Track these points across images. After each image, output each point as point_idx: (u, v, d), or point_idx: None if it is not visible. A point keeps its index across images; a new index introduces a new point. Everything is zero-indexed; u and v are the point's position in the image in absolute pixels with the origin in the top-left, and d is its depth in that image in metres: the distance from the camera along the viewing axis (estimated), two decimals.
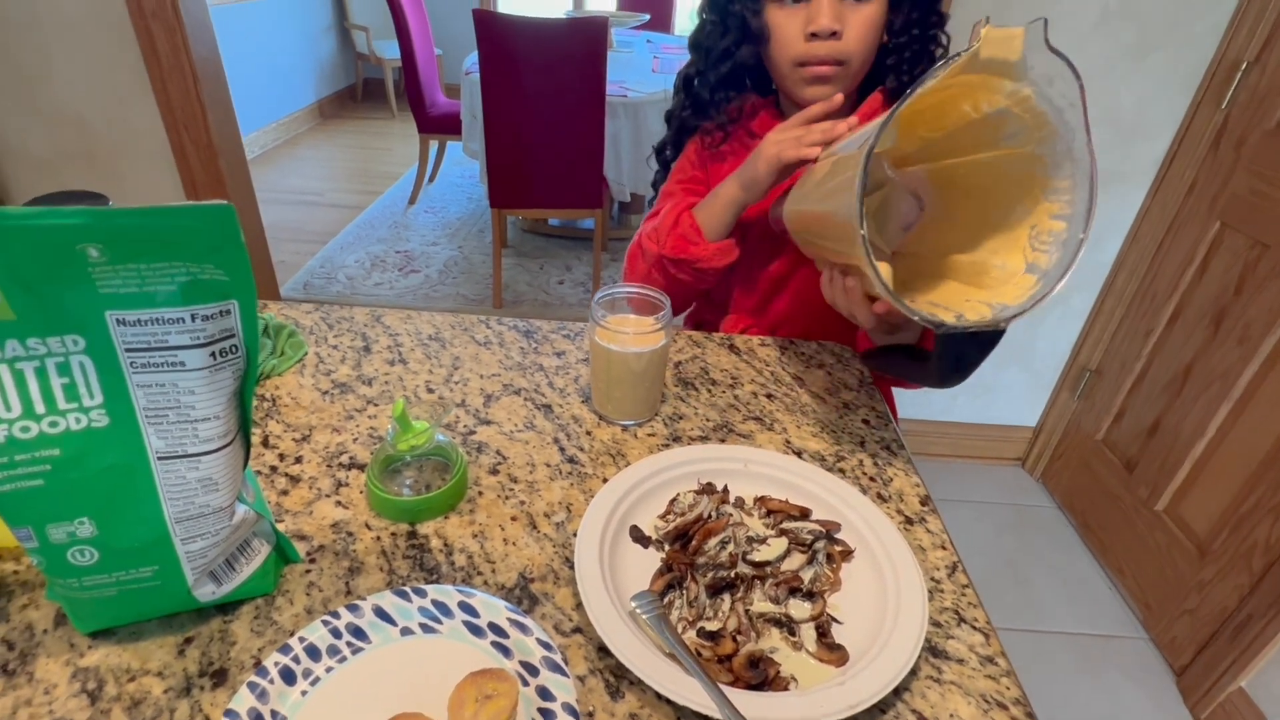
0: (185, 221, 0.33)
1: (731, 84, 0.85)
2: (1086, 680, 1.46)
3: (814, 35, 0.74)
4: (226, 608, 0.47)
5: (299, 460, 0.60)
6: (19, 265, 0.32)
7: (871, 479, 0.63)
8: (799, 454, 0.65)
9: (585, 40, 2.13)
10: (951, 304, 0.59)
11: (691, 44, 0.87)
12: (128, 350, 0.36)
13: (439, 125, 3.11)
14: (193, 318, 0.36)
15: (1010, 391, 1.91)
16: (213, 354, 0.38)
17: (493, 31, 2.10)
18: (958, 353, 0.59)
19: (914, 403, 1.93)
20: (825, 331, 0.86)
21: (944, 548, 0.56)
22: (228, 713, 0.39)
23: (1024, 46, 0.51)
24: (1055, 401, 1.91)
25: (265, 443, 0.62)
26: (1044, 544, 1.79)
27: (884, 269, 0.54)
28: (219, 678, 0.42)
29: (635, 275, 0.88)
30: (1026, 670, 1.46)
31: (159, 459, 0.39)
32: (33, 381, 0.35)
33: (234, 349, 0.39)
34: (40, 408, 0.35)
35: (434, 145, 3.31)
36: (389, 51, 4.41)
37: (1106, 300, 1.74)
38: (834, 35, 0.74)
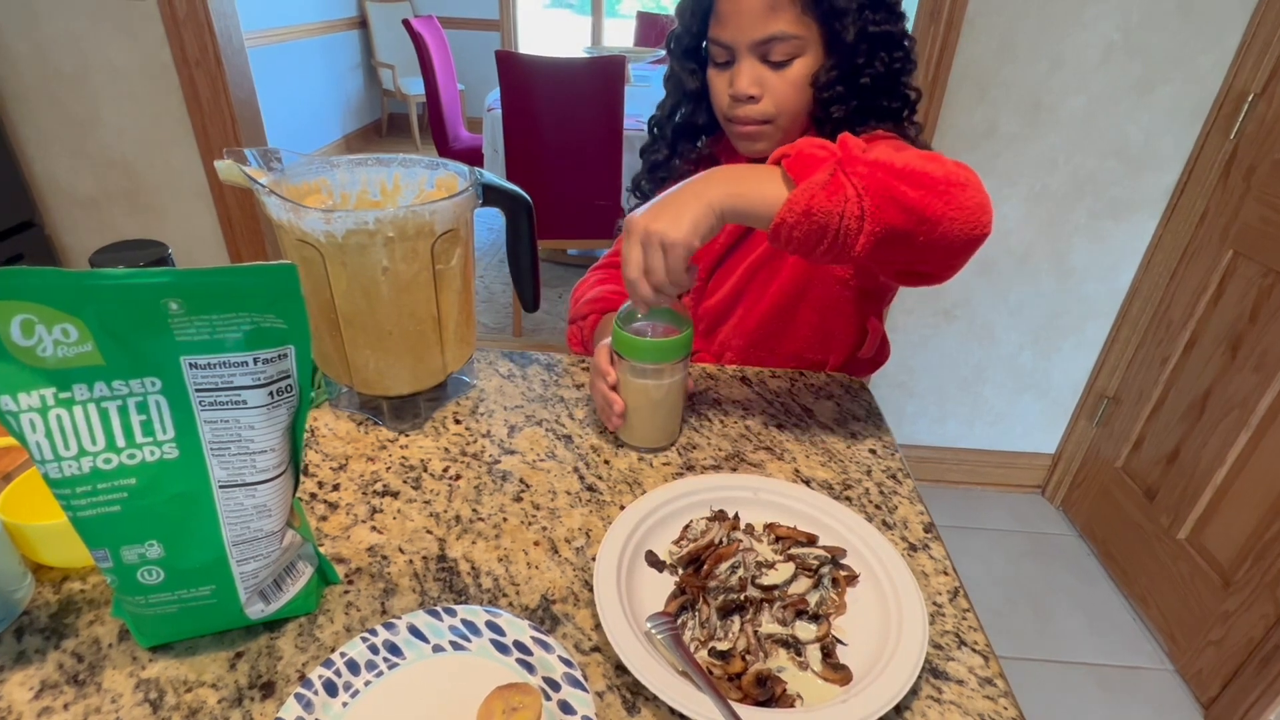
0: (253, 279, 0.38)
1: (688, 132, 0.92)
2: (1112, 713, 1.44)
3: (734, 98, 0.80)
4: (273, 625, 0.50)
5: (336, 488, 0.64)
6: (110, 318, 0.37)
7: (877, 507, 0.66)
8: (807, 482, 0.68)
9: (604, 79, 2.21)
10: None
11: (667, 87, 0.93)
12: (198, 390, 0.40)
13: (461, 158, 3.20)
14: (255, 361, 0.41)
15: (1027, 419, 1.91)
16: (271, 393, 0.42)
17: (515, 71, 2.18)
18: None
19: (930, 430, 1.94)
20: (776, 346, 0.89)
21: (946, 573, 0.58)
22: None
23: None
24: (1074, 429, 1.91)
25: (305, 471, 0.66)
26: (1065, 573, 1.77)
27: None
28: (267, 690, 0.46)
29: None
30: (1050, 701, 1.45)
31: (220, 487, 0.43)
32: (115, 418, 0.40)
33: (289, 388, 0.43)
34: (121, 441, 0.40)
35: None
36: (414, 88, 4.56)
37: (1122, 328, 1.75)
38: (751, 99, 0.79)
